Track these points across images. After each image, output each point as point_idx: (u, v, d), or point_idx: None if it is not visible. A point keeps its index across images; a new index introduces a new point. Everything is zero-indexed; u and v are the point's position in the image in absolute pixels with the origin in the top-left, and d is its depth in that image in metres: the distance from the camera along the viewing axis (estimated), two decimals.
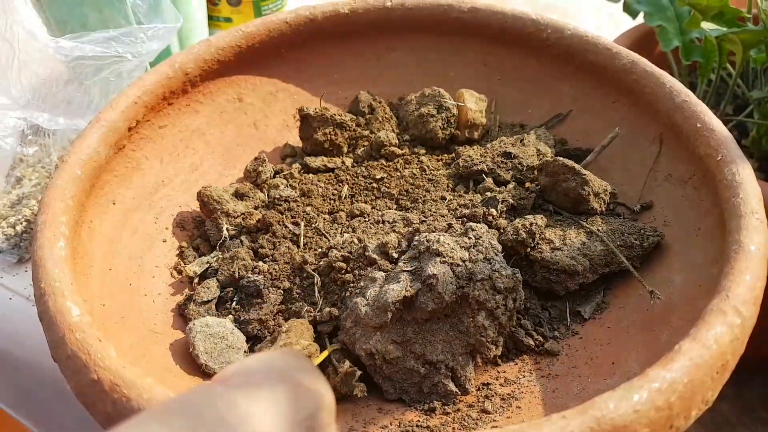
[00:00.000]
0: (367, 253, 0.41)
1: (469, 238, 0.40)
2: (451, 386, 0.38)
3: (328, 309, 0.40)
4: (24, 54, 0.43)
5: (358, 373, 0.38)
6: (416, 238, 0.40)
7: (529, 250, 0.42)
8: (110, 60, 0.45)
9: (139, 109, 0.45)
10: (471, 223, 0.41)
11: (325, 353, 0.39)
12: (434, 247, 0.38)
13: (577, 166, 0.43)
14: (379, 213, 0.45)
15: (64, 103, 0.46)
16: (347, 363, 0.38)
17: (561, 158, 0.43)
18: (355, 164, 0.50)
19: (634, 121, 0.48)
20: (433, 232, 0.41)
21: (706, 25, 0.66)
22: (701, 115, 0.42)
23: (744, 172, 0.38)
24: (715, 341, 0.30)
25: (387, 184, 0.48)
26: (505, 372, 0.40)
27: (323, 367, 0.39)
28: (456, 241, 0.39)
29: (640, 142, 0.47)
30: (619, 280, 0.43)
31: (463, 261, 0.38)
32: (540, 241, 0.42)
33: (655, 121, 0.46)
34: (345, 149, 0.51)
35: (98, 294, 0.39)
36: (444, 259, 0.38)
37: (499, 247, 0.39)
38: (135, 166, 0.46)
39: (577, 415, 0.27)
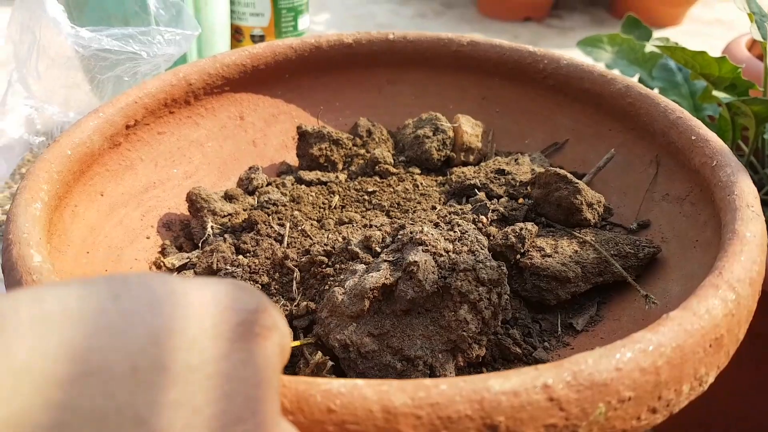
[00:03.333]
0: (350, 247, 0.40)
1: (455, 231, 0.38)
2: None
3: (305, 303, 0.39)
4: (44, 40, 0.44)
5: (330, 363, 0.35)
6: (401, 231, 0.39)
7: (518, 257, 0.41)
8: (126, 56, 0.47)
9: (139, 109, 0.46)
10: (458, 219, 0.40)
11: (297, 343, 0.37)
12: (417, 237, 0.37)
13: (569, 175, 0.42)
14: (368, 221, 0.45)
15: (76, 98, 0.47)
16: (319, 354, 0.36)
17: (554, 168, 0.43)
18: (349, 179, 0.50)
19: (630, 147, 0.47)
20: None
21: (718, 94, 0.67)
22: (696, 128, 0.42)
23: (739, 174, 0.37)
24: (707, 311, 0.27)
25: (378, 197, 0.47)
26: None
27: (294, 360, 0.37)
28: (440, 233, 0.38)
29: (636, 165, 0.47)
30: (613, 293, 0.41)
31: (447, 252, 0.37)
32: (530, 249, 0.41)
33: (651, 144, 0.46)
34: (340, 166, 0.51)
35: (70, 271, 0.38)
36: (427, 248, 0.37)
37: (485, 242, 0.38)
38: (129, 165, 0.46)
39: (552, 368, 0.24)
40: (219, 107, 0.52)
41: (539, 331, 0.40)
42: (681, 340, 0.26)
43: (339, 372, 0.36)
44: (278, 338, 0.21)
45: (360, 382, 0.24)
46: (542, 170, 0.47)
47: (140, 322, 0.17)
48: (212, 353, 0.18)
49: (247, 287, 0.21)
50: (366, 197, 0.47)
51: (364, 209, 0.47)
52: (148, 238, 0.44)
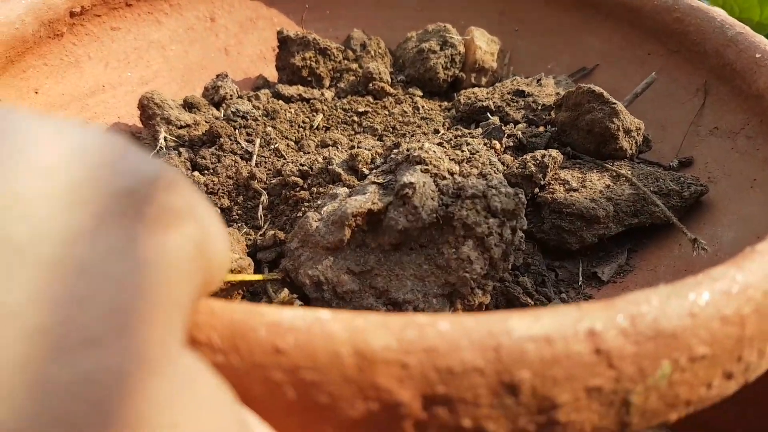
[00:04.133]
0: (330, 167, 0.32)
1: (463, 151, 0.31)
2: None
3: (272, 232, 0.31)
4: None
5: (298, 303, 0.28)
6: (395, 150, 0.32)
7: (537, 190, 0.33)
8: None
9: None
10: (467, 138, 0.32)
11: (259, 277, 0.29)
12: (416, 154, 0.30)
13: (606, 94, 0.34)
14: (356, 144, 0.37)
15: None
16: (285, 291, 0.29)
17: (586, 85, 0.35)
18: (337, 98, 0.42)
19: (673, 73, 0.40)
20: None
21: None
22: (761, 44, 0.34)
23: None
24: None
25: (370, 120, 0.39)
26: None
27: (255, 300, 0.30)
28: (445, 152, 0.31)
29: (678, 95, 0.39)
30: (646, 239, 0.34)
31: (451, 174, 0.29)
32: (552, 182, 0.33)
33: (699, 69, 0.38)
34: (327, 82, 0.43)
35: None
36: (426, 168, 0.29)
37: (500, 166, 0.31)
38: (73, 61, 0.38)
39: (601, 308, 0.17)
40: (186, 4, 0.44)
41: (555, 281, 0.33)
42: None
43: None
44: (194, 232, 0.13)
45: (325, 313, 0.16)
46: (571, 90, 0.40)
47: None
48: (58, 228, 0.10)
49: (147, 155, 0.13)
50: (356, 119, 0.40)
51: (353, 132, 0.39)
52: None
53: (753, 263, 0.19)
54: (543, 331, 0.16)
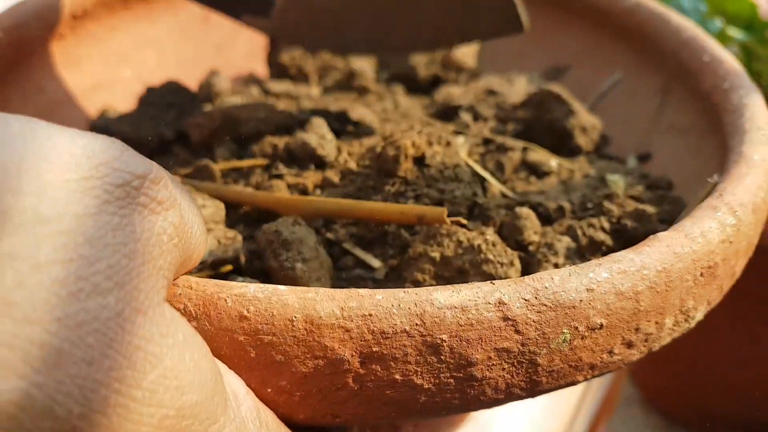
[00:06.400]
0: None
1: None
2: None
3: None
4: None
5: None
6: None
7: None
8: None
9: None
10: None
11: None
12: None
13: (564, 95, 0.37)
14: None
15: None
16: None
17: (549, 87, 0.38)
18: (324, 94, 0.45)
19: (638, 73, 0.43)
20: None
21: (734, 33, 0.62)
22: (710, 49, 0.37)
23: (753, 97, 0.33)
24: (701, 234, 0.23)
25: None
26: None
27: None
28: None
29: (642, 94, 0.42)
30: None
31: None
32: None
33: (660, 70, 0.41)
34: (314, 80, 0.46)
35: None
36: None
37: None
38: (74, 61, 0.42)
39: (510, 283, 0.20)
40: (181, 5, 0.47)
41: None
42: (668, 263, 0.22)
43: None
44: (174, 218, 0.17)
45: (282, 287, 0.20)
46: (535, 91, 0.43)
47: None
48: (73, 208, 0.14)
49: (139, 155, 0.17)
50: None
51: None
52: None
53: (650, 248, 0.22)
54: (460, 301, 0.19)
